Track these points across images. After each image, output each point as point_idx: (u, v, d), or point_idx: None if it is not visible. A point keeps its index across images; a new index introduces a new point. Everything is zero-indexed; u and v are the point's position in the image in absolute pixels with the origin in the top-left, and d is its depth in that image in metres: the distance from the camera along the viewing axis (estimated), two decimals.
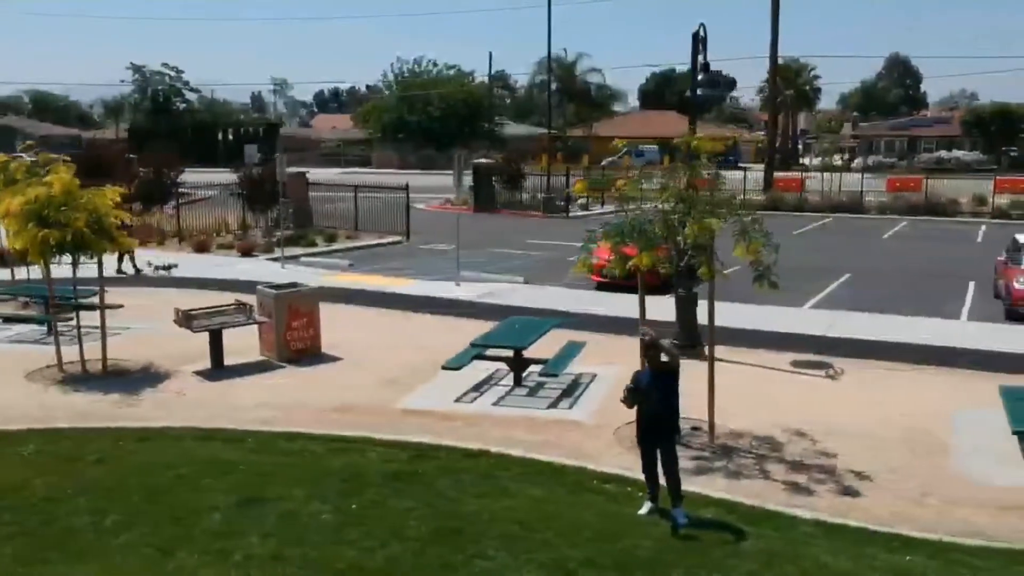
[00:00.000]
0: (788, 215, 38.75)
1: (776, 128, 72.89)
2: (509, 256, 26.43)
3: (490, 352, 12.80)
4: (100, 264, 13.31)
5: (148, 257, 22.94)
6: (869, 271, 23.62)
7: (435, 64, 77.43)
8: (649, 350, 8.67)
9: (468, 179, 41.68)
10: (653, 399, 8.47)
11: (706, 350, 14.25)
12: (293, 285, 14.87)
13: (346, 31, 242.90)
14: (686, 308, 14.13)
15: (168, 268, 22.00)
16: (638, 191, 10.45)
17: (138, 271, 21.81)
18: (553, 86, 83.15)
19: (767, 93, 51.71)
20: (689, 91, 14.34)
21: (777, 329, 16.17)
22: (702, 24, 13.28)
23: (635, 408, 8.62)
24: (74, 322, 14.58)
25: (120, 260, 21.53)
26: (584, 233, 10.86)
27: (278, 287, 14.49)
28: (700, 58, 13.54)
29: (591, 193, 11.42)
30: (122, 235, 13.28)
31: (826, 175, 44.66)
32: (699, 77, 13.66)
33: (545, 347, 13.19)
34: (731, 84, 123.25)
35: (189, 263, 23.58)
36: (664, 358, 8.72)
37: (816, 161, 51.56)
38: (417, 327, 16.82)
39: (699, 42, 13.33)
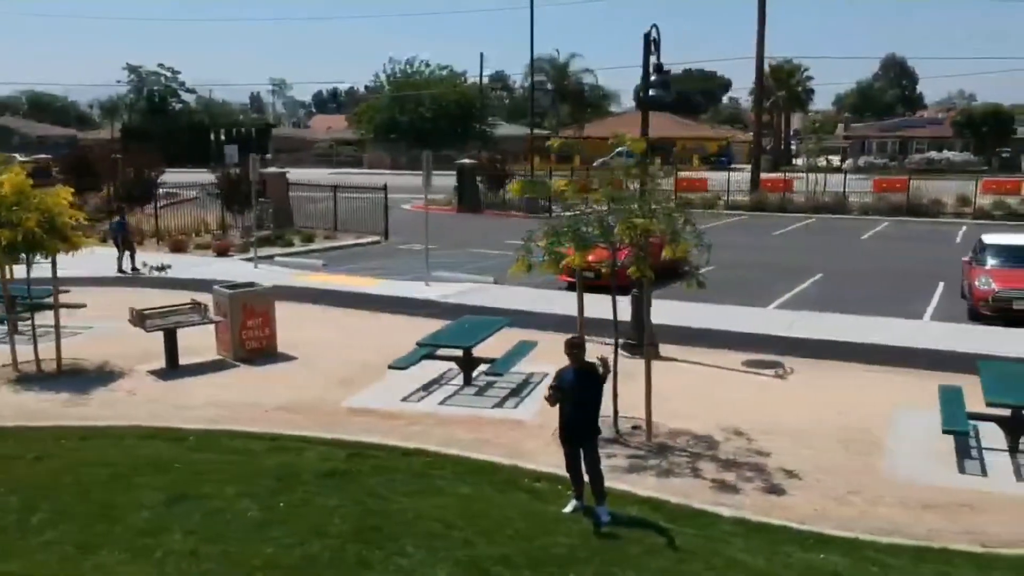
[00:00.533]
0: (772, 215, 38.89)
1: (766, 128, 72.96)
2: (486, 256, 26.44)
3: (440, 352, 12.85)
4: (54, 263, 13.35)
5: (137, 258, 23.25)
6: (842, 271, 23.65)
7: (427, 64, 77.56)
8: (573, 349, 8.72)
9: (442, 180, 41.74)
10: (575, 398, 8.52)
11: (659, 349, 14.47)
12: (250, 284, 14.93)
13: (346, 31, 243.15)
14: (640, 308, 14.16)
15: (162, 268, 22.21)
16: (577, 192, 10.49)
17: (135, 270, 22.39)
18: (548, 87, 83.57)
19: (755, 94, 51.66)
20: (640, 92, 14.36)
21: (737, 329, 16.21)
22: (654, 25, 13.36)
23: (558, 407, 8.66)
24: (38, 321, 14.62)
25: (125, 260, 22.54)
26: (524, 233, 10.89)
27: (234, 286, 14.55)
28: (653, 59, 13.58)
29: (529, 194, 11.45)
30: (76, 235, 13.31)
31: (813, 176, 44.74)
32: (652, 78, 13.72)
33: (500, 347, 13.27)
34: (726, 85, 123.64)
35: (164, 263, 23.63)
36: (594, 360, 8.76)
37: (801, 162, 51.63)
38: (379, 327, 16.89)
39: (651, 43, 13.38)
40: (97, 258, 23.63)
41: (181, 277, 21.49)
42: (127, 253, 22.68)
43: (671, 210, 9.88)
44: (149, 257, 23.80)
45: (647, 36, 13.37)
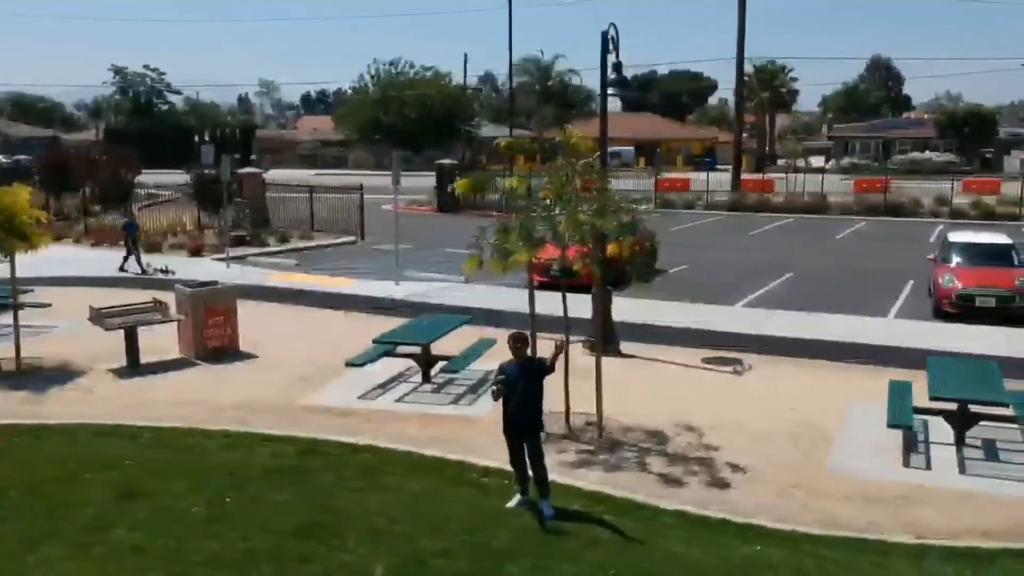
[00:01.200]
0: (750, 215, 39.01)
1: (751, 129, 73.20)
2: (460, 255, 26.40)
3: (398, 349, 12.90)
4: (12, 262, 13.34)
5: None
6: (813, 270, 23.78)
7: (411, 65, 77.55)
8: (517, 344, 8.79)
9: (425, 181, 41.87)
10: (519, 392, 8.58)
11: (621, 347, 14.57)
12: (213, 283, 14.95)
13: (335, 33, 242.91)
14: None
15: (166, 271, 21.76)
16: (527, 189, 10.55)
17: (122, 271, 21.97)
18: (536, 87, 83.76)
19: (736, 94, 51.84)
20: (599, 92, 14.45)
21: (701, 327, 16.26)
22: (612, 24, 13.41)
23: (501, 402, 8.72)
24: (1, 321, 14.64)
25: (129, 261, 22.05)
26: (476, 231, 10.91)
27: (196, 285, 14.57)
28: (611, 58, 13.65)
29: (476, 192, 11.39)
30: (36, 234, 13.30)
31: (793, 176, 44.96)
32: (611, 77, 13.79)
33: (463, 345, 13.34)
34: (713, 86, 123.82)
35: (168, 265, 23.63)
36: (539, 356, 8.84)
37: (781, 162, 51.90)
38: (346, 326, 16.91)
39: (608, 42, 13.44)
40: (83, 258, 23.79)
41: (151, 277, 21.47)
42: (132, 254, 22.13)
43: (619, 207, 9.93)
44: (152, 259, 23.38)
45: (604, 35, 13.43)
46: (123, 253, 22.43)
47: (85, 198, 30.96)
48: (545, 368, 8.80)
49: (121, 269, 22.02)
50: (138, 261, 22.22)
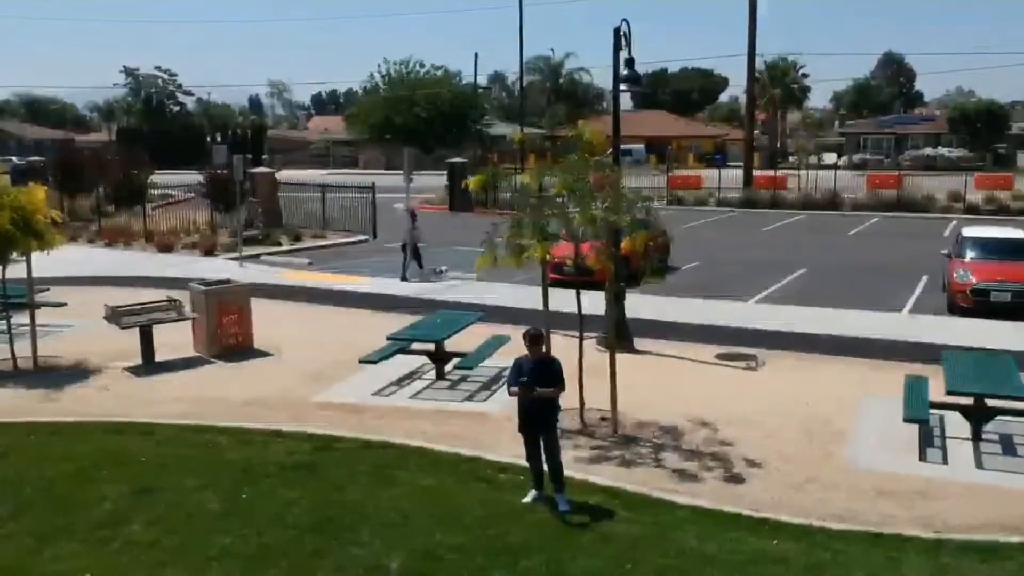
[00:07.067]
0: (762, 212, 38.90)
1: (758, 126, 72.90)
2: (472, 254, 26.44)
3: (412, 346, 12.91)
4: (29, 262, 13.42)
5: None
6: (827, 266, 23.70)
7: (422, 65, 77.58)
8: (532, 340, 8.81)
9: (437, 180, 41.93)
10: (533, 388, 8.56)
11: (635, 343, 14.55)
12: (226, 281, 15.01)
13: (346, 33, 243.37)
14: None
15: (441, 272, 21.32)
16: (539, 184, 10.54)
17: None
18: (547, 85, 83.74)
19: (747, 91, 51.58)
20: (612, 88, 14.42)
21: (714, 323, 16.27)
22: (625, 20, 13.39)
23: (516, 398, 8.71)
24: (18, 320, 14.69)
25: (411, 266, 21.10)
26: (489, 227, 10.90)
27: (209, 283, 14.62)
28: (623, 54, 13.63)
29: (490, 188, 11.40)
30: (51, 233, 13.37)
31: (805, 173, 44.80)
32: (623, 73, 13.75)
33: (477, 342, 13.33)
34: (724, 83, 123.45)
35: (148, 262, 23.76)
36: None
37: (792, 159, 51.68)
38: (358, 324, 16.92)
39: (621, 38, 13.41)
40: (97, 258, 23.88)
41: (161, 276, 21.56)
42: (415, 259, 21.28)
43: (633, 203, 9.91)
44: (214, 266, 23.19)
45: (617, 31, 13.40)
46: (416, 259, 21.32)
47: (98, 198, 31.12)
48: (557, 378, 8.69)
49: (403, 278, 20.92)
50: (404, 266, 21.20)
